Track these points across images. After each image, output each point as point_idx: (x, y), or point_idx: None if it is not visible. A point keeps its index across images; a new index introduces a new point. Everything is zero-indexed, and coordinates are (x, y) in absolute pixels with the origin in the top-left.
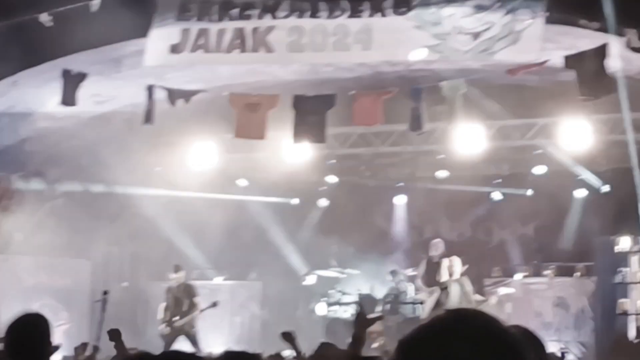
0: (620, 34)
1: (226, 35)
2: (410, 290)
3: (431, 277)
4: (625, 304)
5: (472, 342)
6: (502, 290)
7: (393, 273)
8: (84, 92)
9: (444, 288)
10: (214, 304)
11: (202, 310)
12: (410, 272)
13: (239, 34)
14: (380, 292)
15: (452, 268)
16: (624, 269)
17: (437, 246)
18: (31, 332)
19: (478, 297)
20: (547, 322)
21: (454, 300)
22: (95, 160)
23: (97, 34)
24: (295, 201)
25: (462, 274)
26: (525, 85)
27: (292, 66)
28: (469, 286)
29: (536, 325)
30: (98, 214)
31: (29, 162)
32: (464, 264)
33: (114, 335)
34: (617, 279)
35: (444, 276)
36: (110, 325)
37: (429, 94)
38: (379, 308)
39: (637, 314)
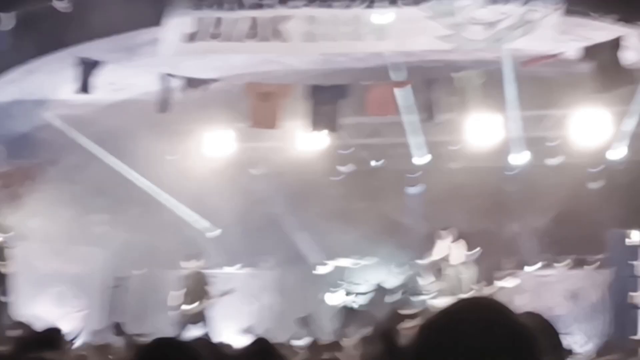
0: (635, 26)
1: (241, 25)
2: (422, 281)
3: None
4: (636, 297)
5: (485, 331)
6: (500, 283)
7: (405, 263)
8: (99, 80)
9: (439, 269)
10: (228, 292)
11: (215, 298)
12: (422, 262)
13: (254, 23)
14: (392, 283)
15: (451, 251)
16: (635, 262)
17: (450, 234)
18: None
19: (474, 286)
20: (559, 314)
21: (449, 284)
22: (110, 148)
23: (112, 21)
24: (309, 191)
25: (464, 262)
26: (540, 76)
27: (306, 56)
28: (466, 274)
29: (547, 317)
30: (112, 201)
31: (43, 150)
32: (476, 254)
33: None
34: (629, 272)
35: (438, 253)
36: (125, 311)
37: (443, 84)
38: (390, 299)
39: None
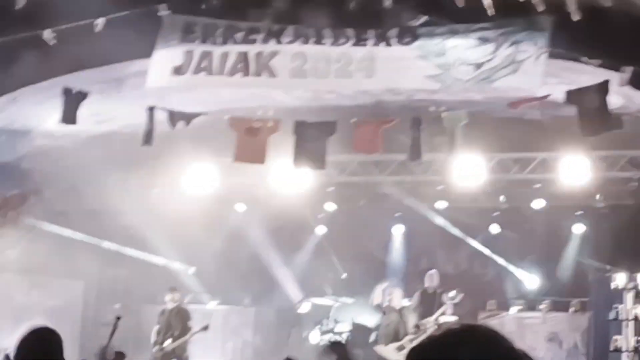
0: (620, 71)
1: (229, 59)
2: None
3: (425, 309)
4: (619, 340)
5: (477, 354)
6: (442, 319)
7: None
8: (84, 111)
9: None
10: (204, 328)
11: (192, 334)
12: (405, 302)
13: (243, 57)
14: (373, 322)
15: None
16: (618, 306)
17: (432, 277)
18: (44, 347)
19: (420, 325)
20: (540, 357)
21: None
22: (93, 179)
23: (99, 53)
24: (292, 228)
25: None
26: (526, 118)
27: (294, 92)
28: (411, 320)
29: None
30: (92, 233)
31: (25, 180)
32: (460, 296)
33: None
34: (612, 315)
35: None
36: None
37: (430, 124)
38: (372, 337)
39: (629, 351)
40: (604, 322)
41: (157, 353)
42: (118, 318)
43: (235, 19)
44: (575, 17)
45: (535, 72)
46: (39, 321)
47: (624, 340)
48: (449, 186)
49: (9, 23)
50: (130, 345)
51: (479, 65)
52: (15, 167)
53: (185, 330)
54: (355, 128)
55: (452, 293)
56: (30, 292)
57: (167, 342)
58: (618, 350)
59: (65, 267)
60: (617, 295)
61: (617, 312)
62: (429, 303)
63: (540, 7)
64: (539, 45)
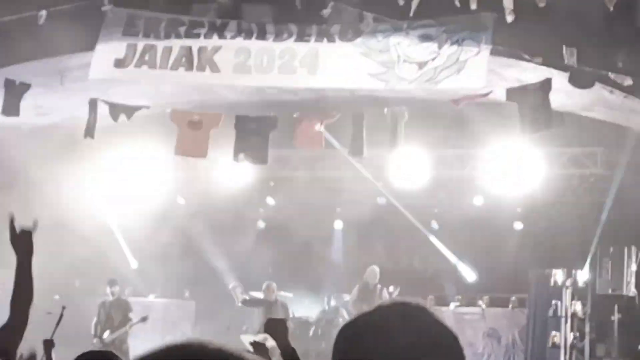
0: (563, 68)
1: (173, 53)
2: (342, 315)
3: (364, 303)
4: (556, 336)
5: (411, 331)
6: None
7: (327, 298)
8: (26, 102)
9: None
10: (144, 319)
11: (131, 325)
12: (345, 297)
13: (186, 52)
14: (313, 316)
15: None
16: (557, 302)
17: (373, 273)
18: None
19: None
20: (479, 352)
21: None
22: (33, 171)
23: (42, 45)
24: (233, 222)
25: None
26: (468, 116)
27: (237, 86)
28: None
29: (467, 355)
30: (33, 225)
31: None
32: (398, 291)
33: (48, 346)
34: (550, 312)
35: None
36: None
37: (372, 120)
38: (311, 331)
39: (568, 348)
40: (542, 318)
41: (96, 345)
42: (63, 308)
43: (178, 13)
44: (509, 18)
45: (478, 72)
46: None
47: (562, 336)
48: (389, 182)
49: None
50: (70, 337)
51: (422, 64)
52: None
53: (124, 321)
54: (297, 123)
55: (392, 288)
56: None
57: (107, 334)
58: (556, 346)
59: (3, 258)
60: (556, 292)
61: (555, 309)
62: (369, 298)
63: (475, 6)
64: (481, 43)
